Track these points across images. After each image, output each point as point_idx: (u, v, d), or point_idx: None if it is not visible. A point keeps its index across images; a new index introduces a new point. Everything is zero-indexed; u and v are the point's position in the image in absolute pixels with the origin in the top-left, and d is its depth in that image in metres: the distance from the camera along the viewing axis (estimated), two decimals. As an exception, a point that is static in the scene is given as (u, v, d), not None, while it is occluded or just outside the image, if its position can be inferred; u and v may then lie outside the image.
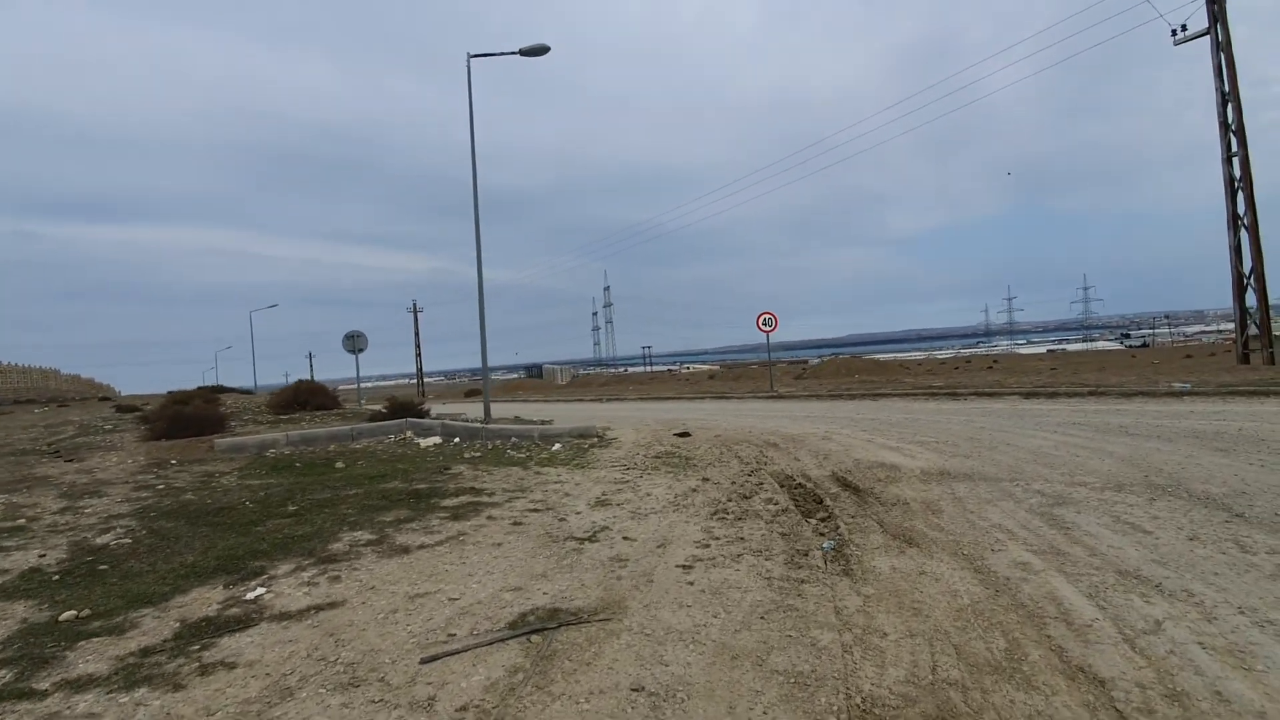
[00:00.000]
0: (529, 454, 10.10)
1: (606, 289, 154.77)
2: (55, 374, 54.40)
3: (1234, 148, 16.32)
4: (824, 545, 4.75)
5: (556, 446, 10.62)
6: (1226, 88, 16.27)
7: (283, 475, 8.92)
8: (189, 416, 12.47)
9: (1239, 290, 16.74)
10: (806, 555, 4.51)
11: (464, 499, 6.83)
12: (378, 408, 17.06)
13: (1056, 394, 12.45)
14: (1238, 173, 16.31)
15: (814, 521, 5.41)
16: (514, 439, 11.46)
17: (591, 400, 26.58)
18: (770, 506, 5.87)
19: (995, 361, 35.59)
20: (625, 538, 5.13)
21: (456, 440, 12.04)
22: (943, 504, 5.62)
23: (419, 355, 65.27)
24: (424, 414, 14.29)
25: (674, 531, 5.25)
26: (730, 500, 6.18)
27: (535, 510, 6.25)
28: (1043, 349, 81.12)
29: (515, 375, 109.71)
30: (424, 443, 11.97)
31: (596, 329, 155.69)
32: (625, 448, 10.03)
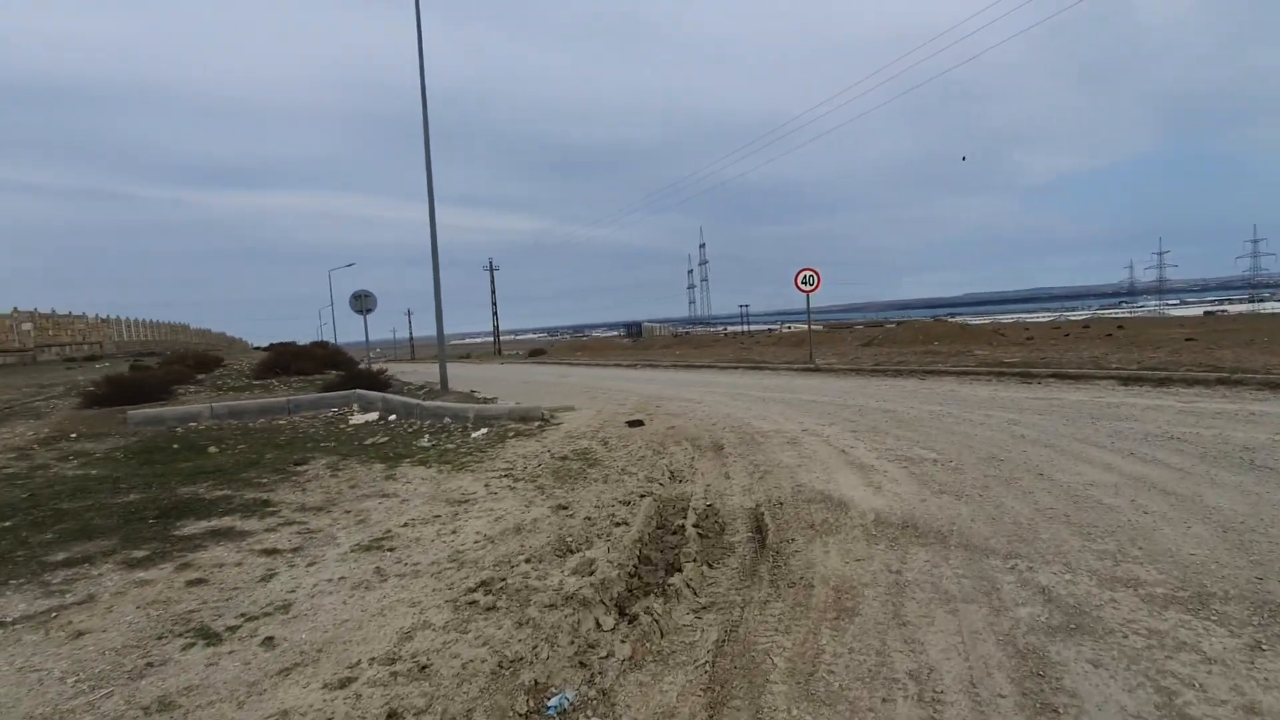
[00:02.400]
0: (436, 442, 8.26)
1: (702, 246, 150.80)
2: (185, 329, 58.63)
3: None
4: (546, 705, 2.50)
5: (480, 432, 8.72)
6: None
7: (128, 463, 7.55)
8: (129, 382, 11.58)
9: None
10: (475, 741, 2.29)
11: (227, 521, 5.04)
12: (381, 373, 15.75)
13: (1169, 380, 8.98)
14: None
15: (613, 625, 3.13)
16: (446, 419, 9.67)
17: (627, 366, 24.43)
18: (577, 578, 3.61)
19: (1120, 327, 30.01)
20: (266, 639, 3.08)
21: (393, 417, 10.42)
22: (865, 597, 3.18)
23: (495, 314, 65.68)
24: (384, 385, 12.77)
25: (361, 631, 3.15)
26: (538, 559, 3.96)
27: (268, 553, 4.32)
28: (1199, 310, 70.15)
29: (615, 333, 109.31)
30: (356, 419, 10.43)
31: (691, 287, 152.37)
32: (549, 440, 7.94)
